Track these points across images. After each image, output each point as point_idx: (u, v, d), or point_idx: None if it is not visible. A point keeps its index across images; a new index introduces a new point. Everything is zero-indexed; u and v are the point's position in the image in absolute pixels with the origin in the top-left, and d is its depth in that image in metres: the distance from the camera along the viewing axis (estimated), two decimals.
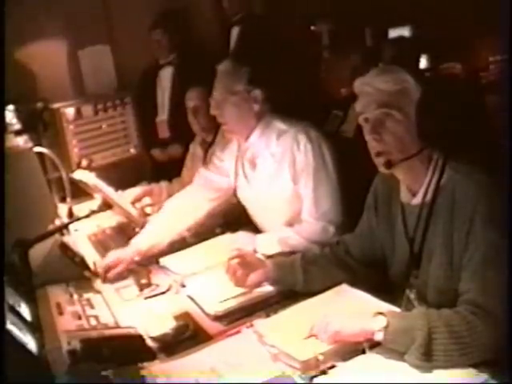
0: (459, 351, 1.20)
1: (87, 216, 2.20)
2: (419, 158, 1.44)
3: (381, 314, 1.28)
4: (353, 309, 1.42)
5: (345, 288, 1.55)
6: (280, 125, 2.03)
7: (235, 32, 3.69)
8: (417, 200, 1.48)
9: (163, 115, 3.79)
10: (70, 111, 3.57)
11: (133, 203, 2.58)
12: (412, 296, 1.47)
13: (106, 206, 2.26)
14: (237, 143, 2.16)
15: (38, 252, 1.85)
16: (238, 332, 1.42)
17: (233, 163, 2.18)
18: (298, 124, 2.03)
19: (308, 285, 1.63)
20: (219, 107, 2.02)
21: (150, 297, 1.73)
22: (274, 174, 2.02)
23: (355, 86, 1.49)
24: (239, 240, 2.01)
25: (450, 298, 1.36)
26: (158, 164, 3.73)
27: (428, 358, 1.20)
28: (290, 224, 2.03)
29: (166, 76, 3.77)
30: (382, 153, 1.45)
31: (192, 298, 1.67)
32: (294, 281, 1.65)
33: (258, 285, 1.67)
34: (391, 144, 1.43)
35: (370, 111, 1.44)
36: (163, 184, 2.84)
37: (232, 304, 1.57)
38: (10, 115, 2.98)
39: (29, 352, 1.29)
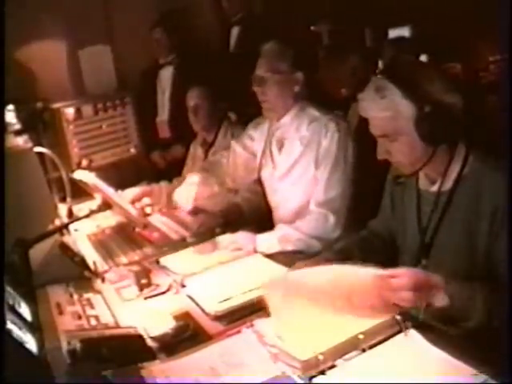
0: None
1: (87, 216, 2.20)
2: (436, 155, 1.45)
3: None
4: None
5: None
6: (313, 111, 2.12)
7: (235, 32, 3.70)
8: (435, 187, 1.49)
9: (163, 115, 3.80)
10: (70, 111, 3.58)
11: (132, 203, 2.58)
12: None
13: (106, 205, 2.26)
14: (268, 124, 2.24)
15: (38, 252, 1.85)
16: (238, 332, 1.42)
17: (262, 144, 2.27)
18: (330, 113, 2.11)
19: None
20: (261, 84, 2.09)
21: (149, 297, 1.73)
22: (299, 157, 2.10)
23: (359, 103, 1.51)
24: (239, 240, 2.01)
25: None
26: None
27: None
28: (298, 214, 2.08)
29: (166, 76, 3.78)
30: (397, 163, 1.49)
31: (192, 298, 1.67)
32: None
33: None
34: (403, 160, 1.47)
35: (375, 134, 1.47)
36: (163, 184, 2.84)
37: (232, 304, 1.57)
38: (10, 115, 2.98)
39: (29, 352, 1.29)
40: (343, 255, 1.65)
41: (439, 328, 1.30)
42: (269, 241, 1.97)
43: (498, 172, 1.39)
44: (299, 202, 2.11)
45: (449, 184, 1.47)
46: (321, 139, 2.05)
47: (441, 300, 1.27)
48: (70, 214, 2.50)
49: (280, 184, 2.18)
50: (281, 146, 2.18)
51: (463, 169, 1.44)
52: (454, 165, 1.46)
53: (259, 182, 2.31)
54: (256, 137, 2.31)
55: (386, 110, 1.41)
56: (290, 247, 1.96)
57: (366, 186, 2.09)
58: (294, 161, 2.11)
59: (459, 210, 1.44)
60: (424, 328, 1.28)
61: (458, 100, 1.40)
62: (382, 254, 1.71)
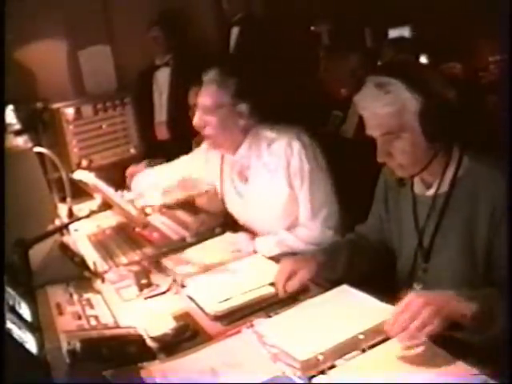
0: None
1: (87, 216, 2.19)
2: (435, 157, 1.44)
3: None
4: (352, 309, 1.41)
5: (345, 288, 1.55)
6: (269, 134, 1.98)
7: (235, 32, 3.70)
8: (431, 191, 1.48)
9: (161, 117, 3.80)
10: (69, 111, 3.58)
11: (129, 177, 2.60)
12: (418, 289, 1.47)
13: (106, 206, 2.25)
14: (220, 154, 2.14)
15: (38, 252, 1.84)
16: (238, 332, 1.42)
17: (217, 170, 2.18)
18: (289, 131, 1.97)
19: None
20: (203, 119, 1.97)
21: (150, 297, 1.73)
22: (269, 183, 1.98)
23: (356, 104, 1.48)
24: (239, 240, 2.00)
25: (469, 287, 1.35)
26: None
27: None
28: (289, 228, 2.01)
29: (162, 77, 3.78)
30: (397, 166, 1.47)
31: (192, 298, 1.67)
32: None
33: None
34: (404, 161, 1.44)
35: (374, 134, 1.44)
36: None
37: (232, 304, 1.57)
38: (10, 115, 2.98)
39: (29, 352, 1.29)
40: (331, 254, 1.66)
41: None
42: (268, 243, 1.97)
43: (494, 171, 1.38)
44: (285, 223, 2.00)
45: (445, 187, 1.45)
46: (289, 159, 1.92)
47: (466, 309, 1.19)
48: (70, 214, 2.50)
49: (257, 215, 2.07)
50: (245, 179, 2.06)
51: (458, 170, 1.43)
52: (449, 167, 1.45)
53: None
54: (209, 160, 2.21)
55: (391, 104, 1.38)
56: (289, 250, 1.95)
57: (366, 186, 2.09)
58: (264, 189, 1.99)
59: (457, 212, 1.43)
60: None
61: (456, 98, 1.40)
62: (369, 256, 1.71)
